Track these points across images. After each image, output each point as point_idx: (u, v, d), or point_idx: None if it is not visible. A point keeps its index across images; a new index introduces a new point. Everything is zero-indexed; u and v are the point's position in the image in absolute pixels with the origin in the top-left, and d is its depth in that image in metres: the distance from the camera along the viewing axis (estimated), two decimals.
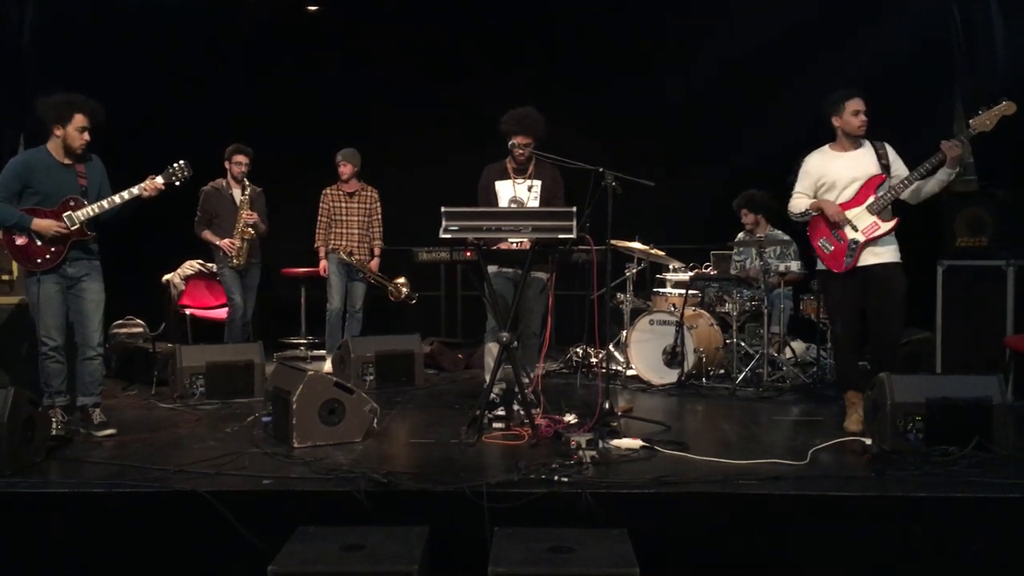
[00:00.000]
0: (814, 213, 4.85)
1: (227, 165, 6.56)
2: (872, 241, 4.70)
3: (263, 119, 7.70)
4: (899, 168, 4.76)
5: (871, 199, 4.71)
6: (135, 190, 4.66)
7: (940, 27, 6.96)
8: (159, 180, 4.72)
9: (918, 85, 7.11)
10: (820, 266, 4.92)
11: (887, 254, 4.71)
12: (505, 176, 5.27)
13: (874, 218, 4.70)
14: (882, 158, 4.75)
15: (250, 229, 6.46)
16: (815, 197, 4.89)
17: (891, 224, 4.69)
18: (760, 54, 7.70)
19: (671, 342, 6.32)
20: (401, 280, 7.10)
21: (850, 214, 4.74)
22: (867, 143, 4.81)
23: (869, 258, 4.71)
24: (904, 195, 4.73)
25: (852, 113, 4.74)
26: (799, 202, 4.94)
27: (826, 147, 4.90)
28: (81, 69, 6.49)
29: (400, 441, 4.57)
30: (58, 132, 4.57)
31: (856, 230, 4.73)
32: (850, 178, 4.77)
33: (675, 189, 6.49)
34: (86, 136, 4.58)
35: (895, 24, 7.35)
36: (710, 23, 7.75)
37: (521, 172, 5.25)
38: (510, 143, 5.11)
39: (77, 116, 4.54)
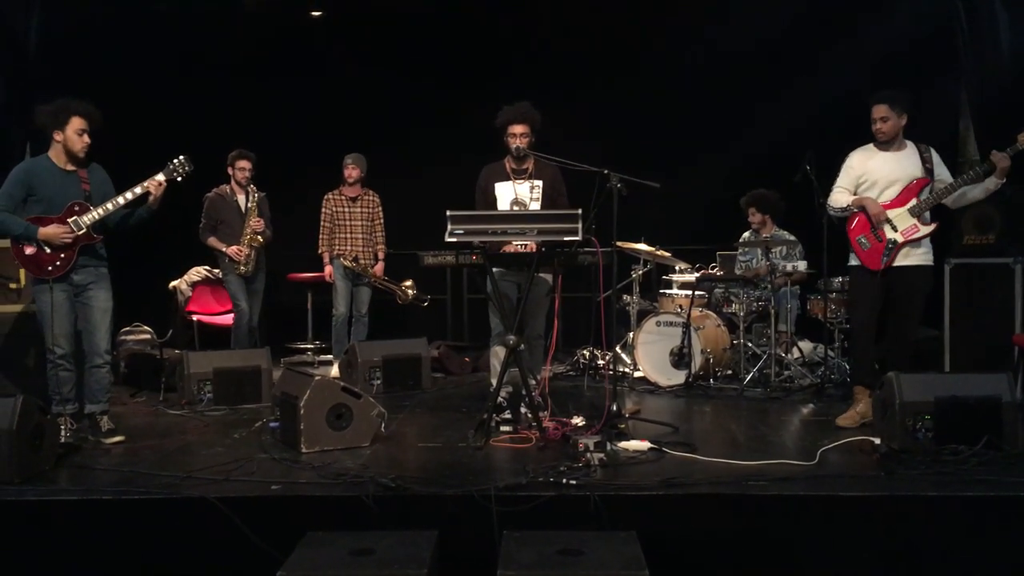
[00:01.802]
0: (855, 209, 4.86)
1: (230, 171, 6.57)
2: (908, 242, 4.73)
3: (267, 124, 7.72)
4: (942, 173, 4.78)
5: (913, 202, 4.74)
6: (138, 189, 4.67)
7: (943, 16, 6.95)
8: (160, 177, 4.73)
9: (920, 73, 7.09)
10: (853, 261, 4.93)
11: (920, 256, 4.77)
12: (505, 177, 5.24)
13: (914, 220, 4.73)
14: (926, 162, 4.77)
15: (259, 237, 6.47)
16: (855, 193, 4.90)
17: (931, 228, 4.74)
18: (761, 50, 7.70)
19: (678, 343, 6.31)
20: (408, 283, 7.10)
21: (891, 214, 4.76)
22: (911, 145, 4.83)
23: (902, 259, 4.76)
24: (947, 201, 4.76)
25: (872, 119, 4.79)
26: (840, 197, 4.96)
27: (870, 145, 4.91)
28: (86, 73, 6.52)
29: (408, 445, 4.57)
30: (58, 137, 4.59)
31: (895, 230, 4.75)
32: (892, 178, 4.80)
33: (680, 190, 6.49)
34: (86, 139, 4.60)
35: (897, 15, 7.35)
36: (711, 19, 7.75)
37: (521, 172, 5.23)
38: (508, 140, 5.10)
39: (74, 119, 4.55)
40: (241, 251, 6.41)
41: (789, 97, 7.73)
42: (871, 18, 7.50)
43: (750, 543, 3.45)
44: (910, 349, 4.81)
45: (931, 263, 4.81)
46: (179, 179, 4.83)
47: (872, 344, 4.88)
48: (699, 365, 6.23)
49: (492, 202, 5.19)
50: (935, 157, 4.80)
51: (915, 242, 4.74)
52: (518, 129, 5.07)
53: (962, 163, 6.89)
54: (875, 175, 4.83)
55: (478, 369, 7.16)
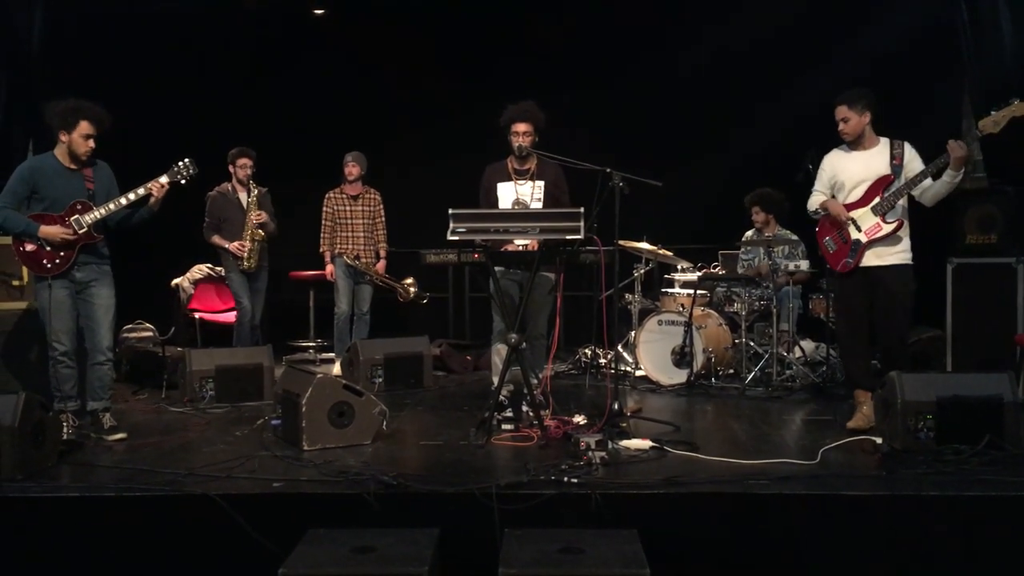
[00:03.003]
0: (822, 212, 4.86)
1: (231, 168, 6.57)
2: (876, 242, 4.69)
3: (269, 122, 7.73)
4: (914, 167, 4.69)
5: (876, 200, 4.69)
6: (141, 190, 4.69)
7: (946, 17, 6.94)
8: (164, 179, 4.74)
9: (923, 75, 7.08)
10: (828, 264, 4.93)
11: (892, 256, 4.70)
12: (507, 177, 5.24)
13: (877, 219, 4.69)
14: (895, 158, 4.71)
15: (260, 231, 6.48)
16: (833, 196, 4.89)
17: (893, 225, 4.66)
18: (763, 48, 7.68)
19: (680, 342, 6.31)
20: (409, 281, 7.10)
21: (855, 214, 4.74)
22: (884, 142, 4.79)
23: (873, 259, 4.71)
24: (916, 196, 4.71)
25: (836, 121, 4.78)
26: (813, 200, 4.97)
27: (843, 146, 4.89)
28: (88, 73, 6.53)
29: (409, 443, 4.57)
30: (64, 138, 4.60)
31: (859, 230, 4.72)
32: (858, 179, 4.76)
33: (682, 189, 6.51)
34: (91, 143, 4.61)
35: (899, 14, 7.33)
36: (713, 18, 7.74)
37: (523, 172, 5.23)
38: (511, 138, 5.09)
39: (82, 123, 4.56)
40: (244, 246, 6.42)
41: (791, 96, 7.71)
42: (873, 17, 7.49)
43: (751, 542, 3.45)
44: (899, 351, 4.75)
45: (910, 262, 4.72)
46: (183, 182, 4.84)
47: (864, 346, 4.85)
48: (701, 364, 6.23)
49: (494, 202, 5.19)
50: (908, 152, 4.72)
51: (884, 241, 4.67)
52: (521, 128, 5.06)
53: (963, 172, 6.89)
54: (843, 176, 4.82)
55: (479, 367, 7.16)
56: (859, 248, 4.71)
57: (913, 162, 4.71)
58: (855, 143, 4.80)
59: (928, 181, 4.62)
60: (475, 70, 8.09)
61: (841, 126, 4.76)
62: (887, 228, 4.66)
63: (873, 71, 7.03)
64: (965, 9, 6.69)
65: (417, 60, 8.25)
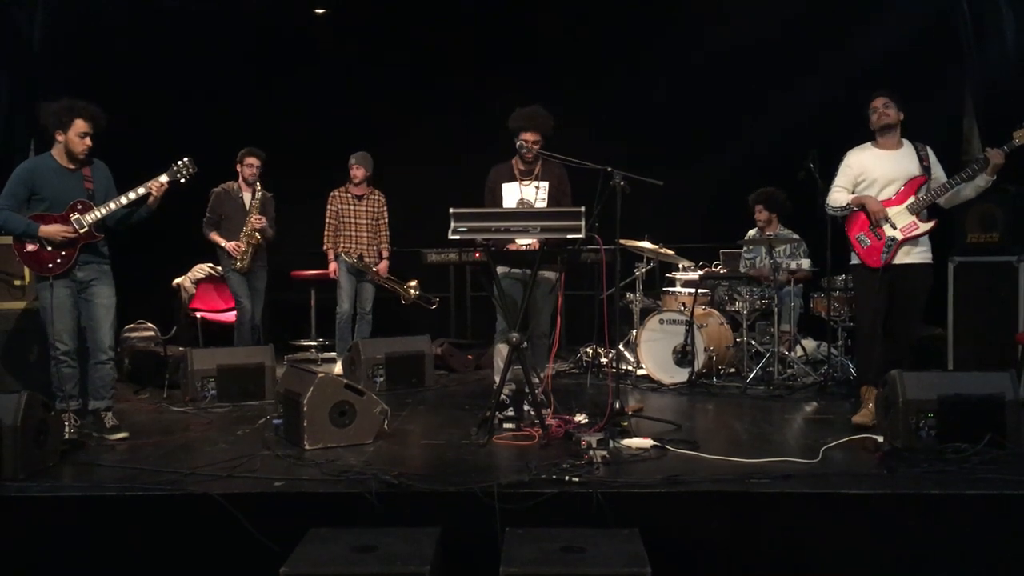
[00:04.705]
0: (855, 208, 4.88)
1: (238, 167, 6.58)
2: (910, 240, 4.75)
3: (272, 121, 7.73)
4: (938, 172, 4.83)
5: (911, 199, 4.76)
6: (141, 189, 4.69)
7: (947, 13, 6.93)
8: (163, 179, 4.74)
9: (924, 71, 7.07)
10: (854, 260, 4.94)
11: (920, 254, 4.79)
12: (511, 178, 5.24)
13: (913, 218, 4.76)
14: (923, 160, 4.81)
15: (258, 234, 6.47)
16: (853, 192, 4.92)
17: (929, 225, 4.76)
18: (764, 47, 7.68)
19: (681, 341, 6.31)
20: (413, 283, 7.10)
21: (890, 212, 4.78)
22: (908, 144, 4.87)
23: (903, 257, 4.77)
24: (941, 200, 4.79)
25: (872, 110, 4.83)
26: (839, 196, 4.98)
27: (868, 144, 4.94)
28: (90, 72, 6.53)
29: (411, 442, 4.57)
30: (60, 138, 4.60)
31: (895, 228, 4.78)
32: (891, 177, 4.82)
33: (683, 188, 6.50)
34: (88, 141, 4.61)
35: (901, 12, 7.33)
36: (714, 17, 7.73)
37: (528, 173, 5.22)
38: (518, 141, 5.09)
39: (77, 121, 4.56)
40: (239, 247, 6.42)
41: (792, 95, 7.72)
42: (874, 16, 7.48)
43: (752, 540, 3.45)
44: (907, 348, 4.81)
45: (931, 261, 4.84)
46: (183, 180, 4.84)
47: (881, 342, 4.87)
48: (702, 363, 6.23)
49: (499, 203, 5.19)
50: (932, 156, 4.84)
51: (914, 240, 4.76)
52: (529, 137, 5.06)
53: (966, 162, 6.88)
54: (874, 173, 4.85)
55: (481, 367, 7.16)
56: (894, 245, 4.77)
57: (936, 166, 4.84)
58: (882, 141, 4.86)
59: (959, 185, 4.73)
60: (478, 69, 8.09)
61: (882, 109, 4.80)
62: (924, 227, 4.76)
63: (874, 70, 7.02)
64: (966, 8, 6.67)
65: (419, 59, 8.25)
